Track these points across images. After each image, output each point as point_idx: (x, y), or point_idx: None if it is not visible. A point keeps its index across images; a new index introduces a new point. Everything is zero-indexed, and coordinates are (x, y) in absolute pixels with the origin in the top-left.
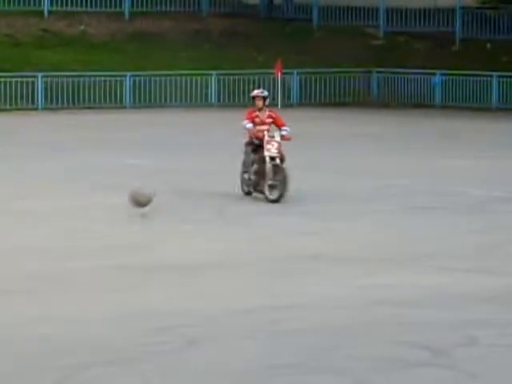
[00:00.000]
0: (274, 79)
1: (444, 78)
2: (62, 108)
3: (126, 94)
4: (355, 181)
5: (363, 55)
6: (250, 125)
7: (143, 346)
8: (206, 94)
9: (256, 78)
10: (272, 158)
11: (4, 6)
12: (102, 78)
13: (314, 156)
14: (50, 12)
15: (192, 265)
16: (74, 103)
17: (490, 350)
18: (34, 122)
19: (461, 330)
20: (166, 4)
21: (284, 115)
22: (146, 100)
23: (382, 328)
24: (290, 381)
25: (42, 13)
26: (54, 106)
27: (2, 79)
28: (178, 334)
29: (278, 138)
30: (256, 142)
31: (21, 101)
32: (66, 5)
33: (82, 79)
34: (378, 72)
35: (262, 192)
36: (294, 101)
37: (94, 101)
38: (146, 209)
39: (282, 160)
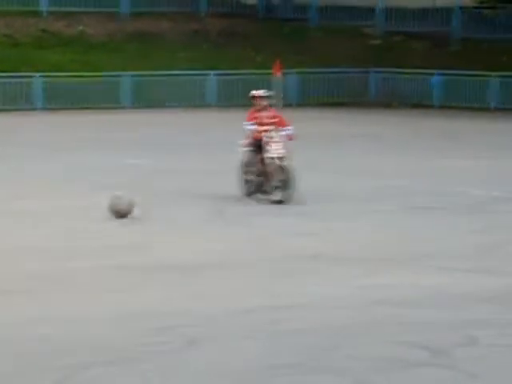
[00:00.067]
0: (272, 79)
1: (442, 77)
2: (61, 108)
3: (125, 94)
4: (355, 181)
5: (361, 55)
6: (252, 126)
7: (143, 346)
8: (205, 94)
9: (254, 78)
10: (276, 159)
11: (2, 6)
12: (101, 79)
13: (313, 156)
14: (48, 12)
15: (192, 265)
16: (72, 103)
17: (490, 350)
18: (33, 122)
19: (461, 330)
20: (164, 4)
21: (282, 115)
22: (144, 100)
23: (382, 328)
24: (289, 381)
25: (40, 13)
26: (52, 106)
27: (1, 79)
28: (178, 334)
29: (277, 138)
30: (258, 142)
31: (19, 101)
32: (65, 5)
33: (80, 79)
34: (376, 72)
35: (266, 193)
36: (293, 101)
37: (93, 101)
38: (125, 219)
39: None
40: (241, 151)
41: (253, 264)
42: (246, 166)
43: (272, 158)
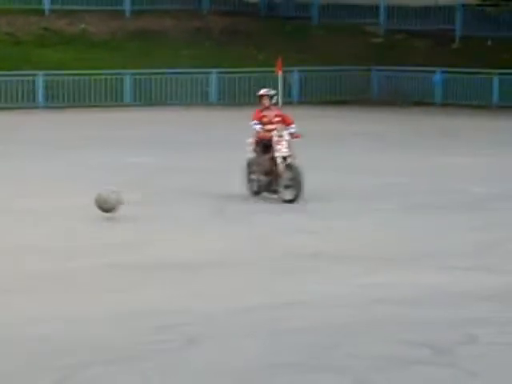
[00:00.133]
0: (274, 77)
1: (444, 75)
2: (63, 106)
3: (127, 92)
4: (355, 179)
5: (363, 53)
6: (258, 126)
7: (143, 344)
8: (207, 92)
9: (256, 76)
10: (284, 158)
11: (4, 4)
12: (103, 77)
13: (315, 154)
14: (50, 10)
15: (192, 263)
16: (74, 102)
17: (490, 348)
18: (35, 120)
19: (461, 329)
20: (166, 2)
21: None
22: (146, 98)
23: (382, 326)
24: (290, 379)
25: (42, 11)
26: (54, 104)
27: (3, 77)
28: (178, 333)
29: (287, 137)
30: (265, 142)
31: (21, 99)
32: (67, 3)
33: (82, 78)
34: (378, 70)
35: (275, 192)
36: (294, 99)
37: (95, 99)
38: (110, 214)
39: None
40: (248, 150)
41: (253, 262)
42: (253, 165)
43: (282, 158)
